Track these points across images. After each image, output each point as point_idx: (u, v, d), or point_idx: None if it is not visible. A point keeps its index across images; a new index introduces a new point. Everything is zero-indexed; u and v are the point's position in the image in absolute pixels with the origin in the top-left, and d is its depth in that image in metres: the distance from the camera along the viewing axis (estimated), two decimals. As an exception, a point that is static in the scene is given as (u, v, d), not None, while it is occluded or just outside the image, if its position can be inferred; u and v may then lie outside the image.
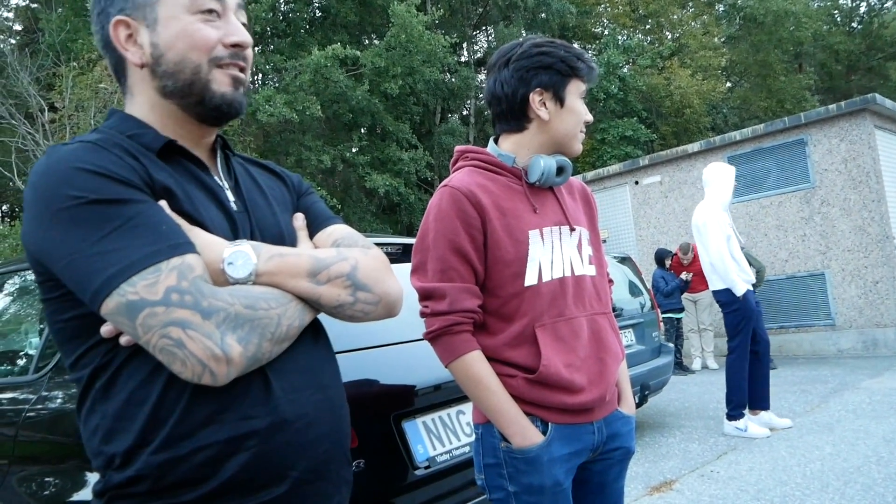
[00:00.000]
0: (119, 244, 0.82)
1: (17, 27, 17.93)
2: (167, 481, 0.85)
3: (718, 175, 4.79)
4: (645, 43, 22.03)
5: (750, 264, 7.76)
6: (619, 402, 1.50)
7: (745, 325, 4.63)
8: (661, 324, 5.82)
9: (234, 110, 0.99)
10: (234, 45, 0.98)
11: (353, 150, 16.47)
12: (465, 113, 21.18)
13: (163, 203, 0.89)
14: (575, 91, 1.44)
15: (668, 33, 23.81)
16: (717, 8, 24.57)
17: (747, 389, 4.71)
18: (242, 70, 1.00)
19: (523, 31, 18.95)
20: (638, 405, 4.73)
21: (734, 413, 4.71)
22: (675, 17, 23.60)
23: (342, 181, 16.69)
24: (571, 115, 1.45)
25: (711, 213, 4.65)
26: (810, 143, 8.72)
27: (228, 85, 0.98)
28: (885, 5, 26.53)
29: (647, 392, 4.85)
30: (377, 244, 1.13)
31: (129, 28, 0.98)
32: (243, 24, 1.04)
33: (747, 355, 4.69)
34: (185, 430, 0.85)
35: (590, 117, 1.49)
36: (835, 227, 8.53)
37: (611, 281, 1.62)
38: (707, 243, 4.62)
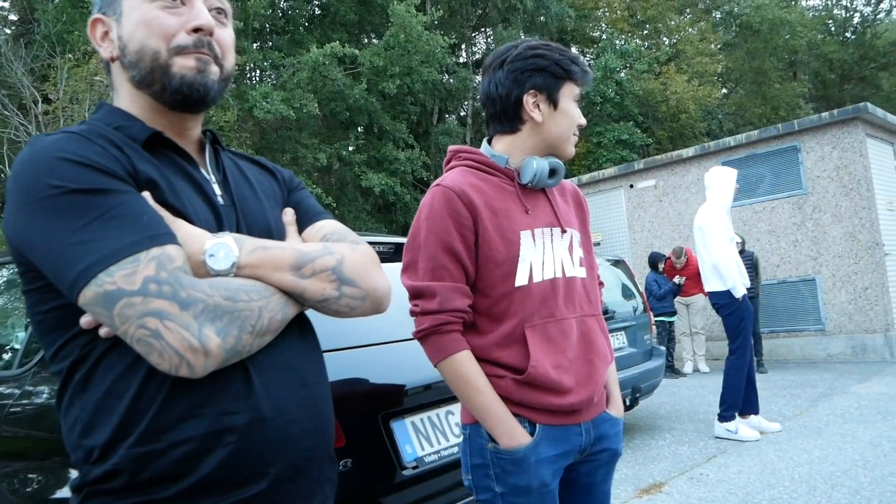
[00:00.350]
0: (98, 234, 0.81)
1: (13, 17, 17.81)
2: (144, 476, 0.83)
3: (720, 178, 4.82)
4: (642, 48, 22.08)
5: (755, 268, 7.82)
6: (607, 404, 1.50)
7: (744, 326, 4.65)
8: (654, 327, 5.83)
9: (196, 92, 0.97)
10: (196, 30, 0.96)
11: (350, 148, 16.43)
12: (462, 114, 21.19)
13: (146, 194, 0.88)
14: (569, 94, 1.44)
15: (665, 39, 23.88)
16: (713, 15, 24.68)
17: (740, 393, 4.70)
18: (210, 56, 0.98)
19: (522, 34, 18.96)
20: (629, 408, 4.74)
21: (726, 414, 4.72)
22: (673, 23, 23.68)
23: (338, 179, 16.65)
24: (565, 117, 1.45)
25: (715, 215, 4.67)
26: (803, 150, 8.76)
27: (191, 69, 0.96)
28: (878, 16, 26.77)
29: (637, 395, 4.86)
30: (369, 243, 1.12)
31: (105, 25, 1.00)
32: (218, 9, 1.02)
33: (748, 357, 4.70)
34: (164, 423, 0.84)
35: (583, 120, 1.49)
36: (826, 233, 8.58)
37: (601, 283, 1.62)
38: (710, 244, 4.64)
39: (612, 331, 4.96)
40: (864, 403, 5.56)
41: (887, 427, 4.66)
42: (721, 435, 4.73)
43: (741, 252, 7.72)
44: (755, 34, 22.25)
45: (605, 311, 5.04)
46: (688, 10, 24.62)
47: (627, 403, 4.65)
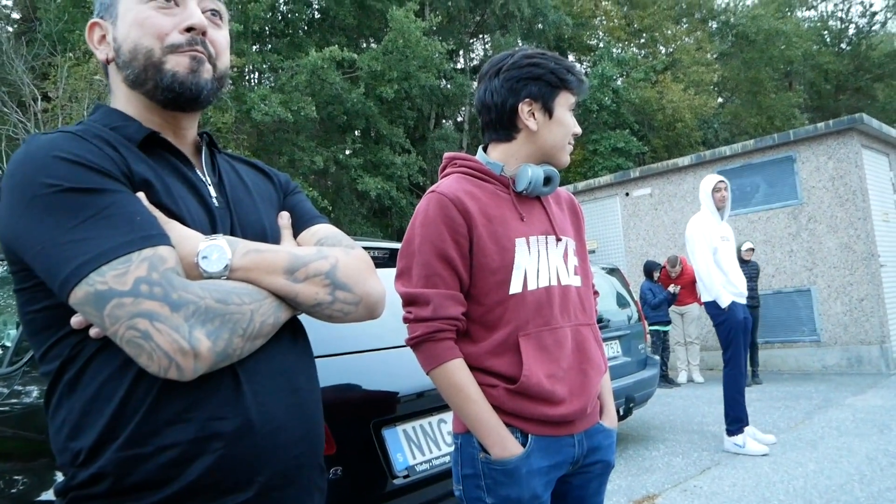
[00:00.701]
0: (91, 233, 0.81)
1: (16, 15, 17.80)
2: (129, 481, 0.82)
3: (701, 186, 4.84)
4: (639, 56, 22.20)
5: (757, 279, 7.80)
6: (600, 415, 1.48)
7: (734, 336, 4.60)
8: (648, 336, 5.82)
9: (188, 91, 0.97)
10: (189, 30, 0.97)
11: (347, 152, 16.43)
12: (459, 119, 21.22)
13: (140, 195, 0.88)
14: (564, 103, 1.44)
15: (661, 48, 24.01)
16: (710, 25, 24.84)
17: (735, 404, 4.62)
18: (203, 54, 0.99)
19: (520, 41, 19.03)
20: (622, 418, 4.72)
21: (732, 428, 4.66)
22: (670, 32, 23.82)
23: (334, 183, 16.64)
24: (560, 126, 1.44)
25: (699, 225, 4.68)
26: (798, 160, 8.80)
27: (184, 67, 0.97)
28: (873, 28, 27.01)
29: (631, 405, 4.84)
30: (364, 248, 1.12)
31: (103, 29, 1.02)
32: (213, 10, 1.03)
33: (742, 368, 4.66)
34: (151, 427, 0.83)
35: (578, 129, 1.49)
36: (821, 243, 8.60)
37: (596, 292, 1.61)
38: (693, 254, 4.65)
39: (606, 339, 4.94)
40: (859, 416, 5.56)
41: (884, 440, 4.65)
42: (730, 449, 4.65)
43: (747, 262, 7.71)
44: (751, 44, 22.43)
45: (600, 320, 5.02)
46: (684, 20, 24.77)
47: (621, 413, 4.62)
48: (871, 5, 28.72)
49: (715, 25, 24.76)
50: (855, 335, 8.33)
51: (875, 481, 3.76)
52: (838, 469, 4.04)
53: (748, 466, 4.26)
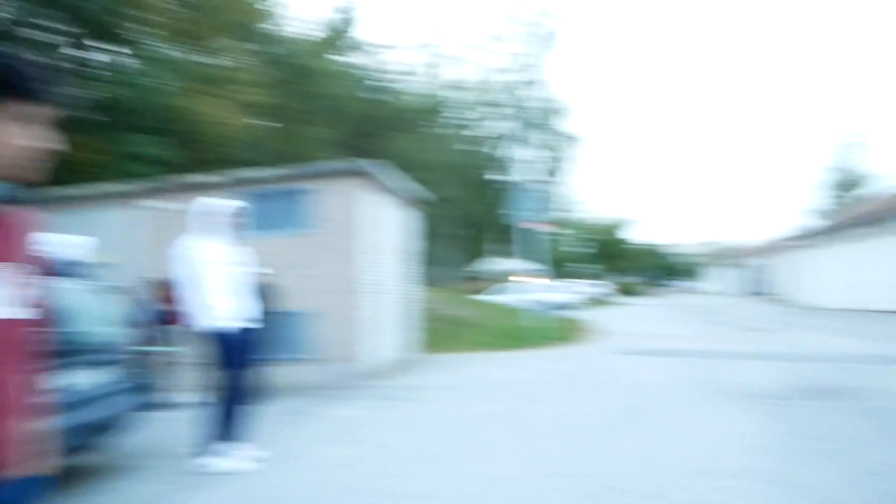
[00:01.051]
0: None
1: None
2: None
3: (206, 209, 4.92)
4: (182, 62, 21.37)
5: (266, 300, 8.15)
6: (27, 463, 1.32)
7: (224, 358, 4.72)
8: (144, 357, 5.51)
9: None
10: None
11: None
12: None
13: None
14: (26, 111, 1.26)
15: (208, 59, 23.77)
16: (261, 49, 25.98)
17: (225, 424, 4.77)
18: None
19: (42, 21, 16.02)
20: (97, 449, 4.33)
21: (208, 448, 4.72)
22: (218, 45, 23.80)
23: None
24: (17, 137, 1.27)
25: (187, 246, 4.73)
26: (315, 193, 9.86)
27: None
28: (406, 82, 33.45)
29: (110, 434, 4.52)
30: None
31: None
32: None
33: (230, 390, 4.78)
34: None
35: (46, 144, 1.30)
36: (324, 270, 9.79)
37: (42, 323, 1.45)
38: (179, 276, 4.68)
39: (95, 364, 4.47)
40: (335, 426, 6.37)
41: (354, 448, 5.35)
42: (203, 469, 4.67)
43: (260, 284, 8.06)
44: (298, 78, 24.50)
45: (92, 344, 4.53)
46: (235, 37, 25.16)
47: (97, 444, 4.25)
48: (410, 64, 35.25)
49: (264, 49, 26.00)
50: (341, 353, 9.69)
51: (355, 480, 4.35)
52: (317, 477, 4.48)
53: (235, 485, 4.37)
